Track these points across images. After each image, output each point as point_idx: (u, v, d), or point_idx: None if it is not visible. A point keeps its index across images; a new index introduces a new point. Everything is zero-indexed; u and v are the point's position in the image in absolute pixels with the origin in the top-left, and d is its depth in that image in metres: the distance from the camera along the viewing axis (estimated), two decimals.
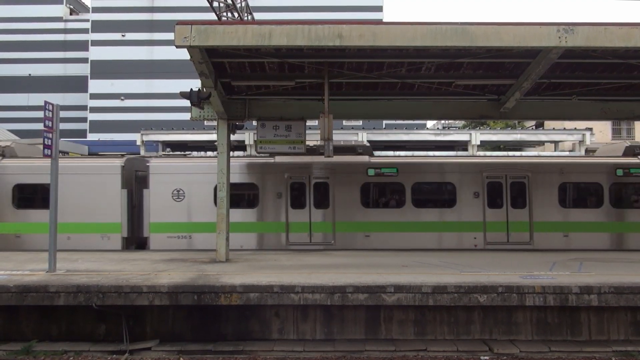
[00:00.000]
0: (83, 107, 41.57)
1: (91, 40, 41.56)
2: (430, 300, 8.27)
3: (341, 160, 14.63)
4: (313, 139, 15.31)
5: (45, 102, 9.86)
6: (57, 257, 9.84)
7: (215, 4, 22.95)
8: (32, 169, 14.71)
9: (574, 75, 11.64)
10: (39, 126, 11.48)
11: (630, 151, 15.42)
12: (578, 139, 26.04)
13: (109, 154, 23.69)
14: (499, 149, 28.82)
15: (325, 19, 10.83)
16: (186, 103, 11.59)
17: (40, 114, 10.51)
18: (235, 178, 13.74)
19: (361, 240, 14.51)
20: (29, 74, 44.01)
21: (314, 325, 8.68)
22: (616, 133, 32.62)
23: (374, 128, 27.55)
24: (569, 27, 8.86)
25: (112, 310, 8.39)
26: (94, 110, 41.01)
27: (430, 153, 22.02)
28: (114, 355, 8.08)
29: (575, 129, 25.93)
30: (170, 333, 8.69)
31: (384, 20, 38.49)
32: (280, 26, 8.96)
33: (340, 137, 24.47)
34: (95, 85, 41.00)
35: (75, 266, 10.45)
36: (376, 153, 16.89)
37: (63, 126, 10.74)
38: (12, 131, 35.36)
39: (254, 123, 13.47)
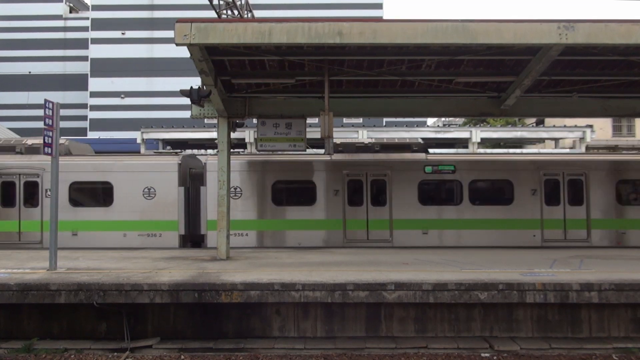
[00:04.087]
0: (83, 105, 41.57)
1: (91, 38, 41.53)
2: (431, 297, 8.28)
3: None
4: (313, 136, 15.33)
5: (46, 100, 9.85)
6: (58, 255, 9.87)
7: (215, 1, 22.88)
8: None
9: (574, 73, 11.63)
10: (39, 124, 11.50)
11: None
12: (579, 136, 26.04)
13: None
14: (499, 147, 28.79)
15: (326, 17, 10.81)
16: (186, 101, 11.60)
17: (40, 112, 10.53)
18: None
19: None
20: (29, 72, 43.98)
21: (314, 322, 8.70)
22: (617, 130, 32.57)
23: (374, 125, 27.51)
24: (570, 24, 8.85)
25: (113, 308, 8.40)
26: (94, 108, 41.00)
27: None
28: (115, 353, 8.08)
29: (575, 126, 25.91)
30: (172, 331, 8.71)
31: (384, 17, 38.45)
32: (280, 24, 8.95)
33: (341, 134, 24.43)
34: (96, 83, 40.99)
35: (76, 264, 10.48)
36: None
37: (63, 124, 10.75)
38: (12, 129, 35.36)
39: (254, 121, 13.49)
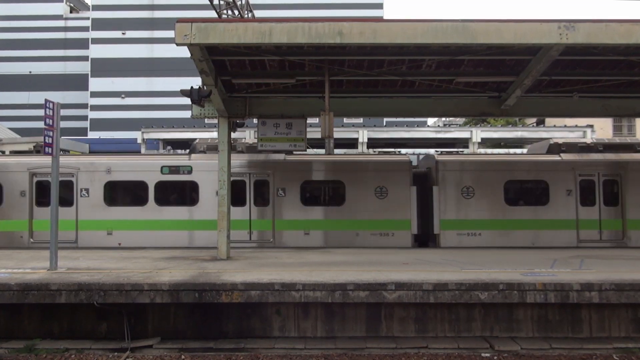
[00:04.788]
0: (84, 105, 41.57)
1: (91, 38, 41.53)
2: (431, 297, 8.28)
3: None
4: (314, 136, 15.32)
5: (46, 100, 9.85)
6: (58, 255, 9.87)
7: (216, 1, 22.88)
8: None
9: (574, 73, 11.64)
10: (40, 124, 11.50)
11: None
12: (579, 136, 26.02)
13: None
14: (499, 147, 28.77)
15: (326, 17, 10.81)
16: (187, 101, 11.61)
17: (40, 112, 10.53)
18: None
19: None
20: (30, 72, 43.99)
21: (315, 322, 8.70)
22: (617, 130, 32.52)
23: (374, 125, 27.51)
24: (570, 24, 8.85)
25: (113, 308, 8.40)
26: (95, 108, 41.01)
27: None
28: (116, 353, 8.08)
29: (576, 126, 25.90)
30: (172, 331, 8.71)
31: (384, 17, 38.42)
32: (281, 24, 8.95)
33: (341, 134, 24.45)
34: (96, 83, 40.98)
35: (76, 264, 10.48)
36: None
37: (63, 124, 10.75)
38: (12, 129, 35.37)
39: (255, 121, 13.49)
